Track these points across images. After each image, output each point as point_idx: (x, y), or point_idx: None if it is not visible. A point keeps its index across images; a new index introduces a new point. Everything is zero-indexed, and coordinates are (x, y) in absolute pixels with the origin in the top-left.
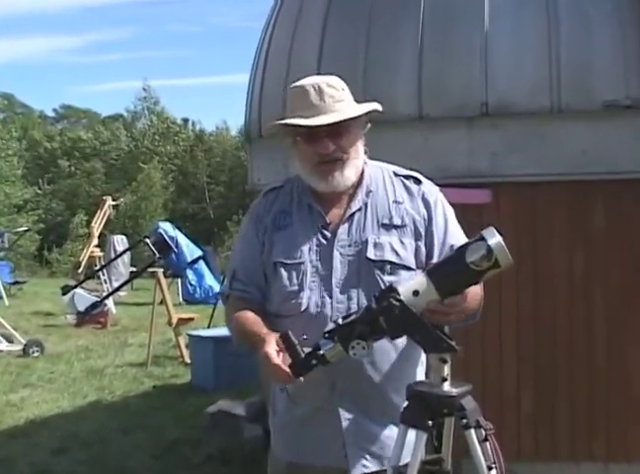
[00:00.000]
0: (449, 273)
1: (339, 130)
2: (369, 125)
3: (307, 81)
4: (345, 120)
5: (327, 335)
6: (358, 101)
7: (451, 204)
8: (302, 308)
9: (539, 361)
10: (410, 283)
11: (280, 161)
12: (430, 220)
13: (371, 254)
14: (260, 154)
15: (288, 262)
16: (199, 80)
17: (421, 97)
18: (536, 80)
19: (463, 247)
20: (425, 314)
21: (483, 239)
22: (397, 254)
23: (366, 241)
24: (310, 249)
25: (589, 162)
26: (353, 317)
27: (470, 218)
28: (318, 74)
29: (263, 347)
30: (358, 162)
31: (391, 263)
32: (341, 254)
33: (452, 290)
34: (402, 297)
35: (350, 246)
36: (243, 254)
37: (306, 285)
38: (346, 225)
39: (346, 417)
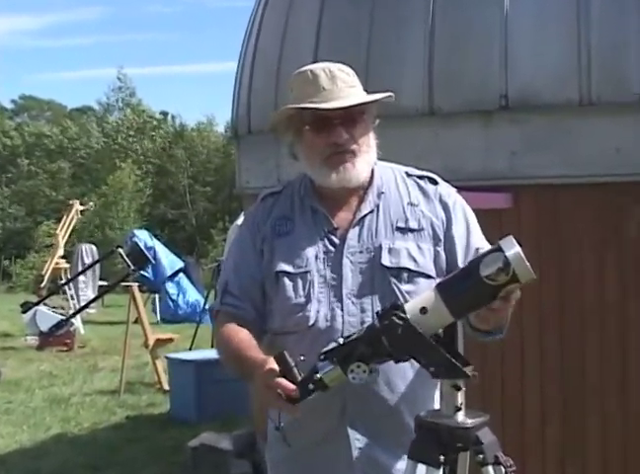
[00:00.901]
0: (462, 288)
1: (354, 118)
2: (378, 121)
3: (316, 66)
4: (361, 105)
5: (324, 356)
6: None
7: None
8: (310, 322)
9: (567, 388)
10: (418, 299)
11: (273, 161)
12: (449, 224)
13: (386, 260)
14: (249, 153)
15: (293, 271)
16: (181, 68)
17: (431, 88)
18: (563, 68)
19: (477, 259)
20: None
21: (500, 250)
22: (415, 260)
23: (380, 246)
24: (317, 256)
25: (623, 162)
26: (354, 336)
27: (486, 226)
28: (315, 62)
29: (261, 369)
30: (370, 157)
31: (408, 270)
32: (351, 261)
33: (465, 308)
34: (408, 315)
35: (361, 252)
36: (237, 265)
37: (314, 297)
38: (356, 229)
39: (357, 446)
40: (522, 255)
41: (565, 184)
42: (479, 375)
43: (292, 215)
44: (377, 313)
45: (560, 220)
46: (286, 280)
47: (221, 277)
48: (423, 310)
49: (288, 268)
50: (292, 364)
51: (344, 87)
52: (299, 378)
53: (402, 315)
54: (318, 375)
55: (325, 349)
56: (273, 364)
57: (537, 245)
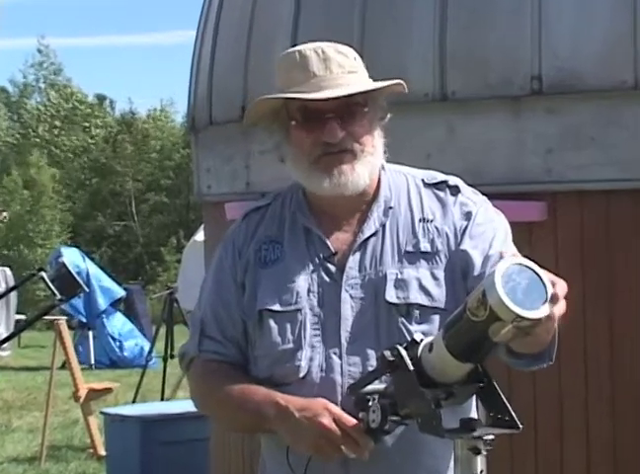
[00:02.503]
0: (452, 322)
1: (352, 111)
2: (389, 116)
3: (306, 46)
4: (360, 94)
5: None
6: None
7: None
8: (301, 374)
9: (619, 453)
10: (435, 336)
11: (241, 160)
12: (469, 231)
13: (391, 295)
14: (210, 151)
15: (280, 309)
16: (124, 39)
17: (444, 68)
18: (614, 43)
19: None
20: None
21: (488, 277)
22: (428, 293)
23: (385, 277)
24: (310, 290)
25: None
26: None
27: (515, 243)
28: (295, 39)
29: (310, 408)
30: (374, 160)
31: (420, 306)
32: (351, 296)
33: (461, 349)
34: (419, 349)
35: (362, 285)
36: (214, 300)
37: (305, 342)
38: (357, 256)
39: None
40: (500, 284)
41: (618, 189)
42: (506, 438)
43: (281, 237)
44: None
45: (612, 237)
46: (272, 322)
47: (194, 315)
48: (430, 347)
49: (274, 305)
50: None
51: (340, 73)
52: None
53: (399, 349)
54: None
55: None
56: (328, 403)
57: (580, 270)
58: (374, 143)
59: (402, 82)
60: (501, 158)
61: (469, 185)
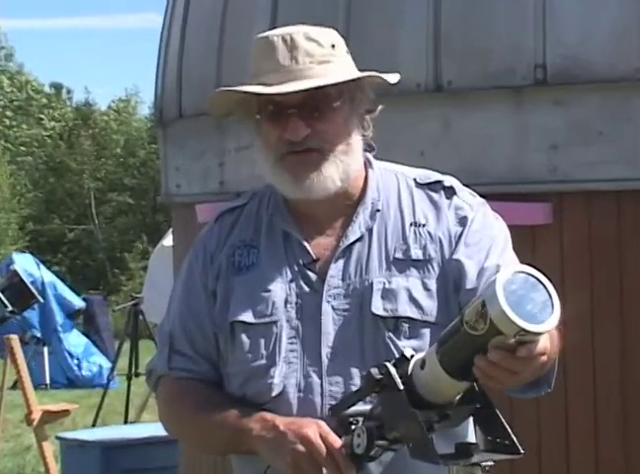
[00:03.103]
0: (447, 336)
1: (319, 106)
2: (380, 108)
3: (276, 32)
4: (332, 86)
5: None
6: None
7: None
8: (274, 392)
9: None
10: (426, 351)
11: (213, 157)
12: (463, 240)
13: (378, 307)
14: (179, 146)
15: (254, 321)
16: (83, 21)
17: (438, 55)
18: (624, 29)
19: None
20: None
21: (488, 288)
22: (418, 305)
23: (370, 287)
24: (287, 301)
25: None
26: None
27: (517, 248)
28: (274, 22)
29: (300, 422)
30: (348, 159)
31: (410, 319)
32: (333, 308)
33: (456, 365)
34: (410, 367)
35: (346, 295)
36: (183, 311)
37: (280, 357)
38: (340, 263)
39: None
40: (502, 295)
41: (629, 189)
42: (507, 464)
43: (257, 242)
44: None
45: (622, 242)
46: (244, 336)
47: (162, 328)
48: (422, 364)
49: (247, 316)
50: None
51: (308, 63)
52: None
53: (387, 366)
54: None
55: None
56: (319, 420)
57: (588, 277)
58: (349, 141)
59: (380, 75)
60: (501, 155)
61: (466, 185)
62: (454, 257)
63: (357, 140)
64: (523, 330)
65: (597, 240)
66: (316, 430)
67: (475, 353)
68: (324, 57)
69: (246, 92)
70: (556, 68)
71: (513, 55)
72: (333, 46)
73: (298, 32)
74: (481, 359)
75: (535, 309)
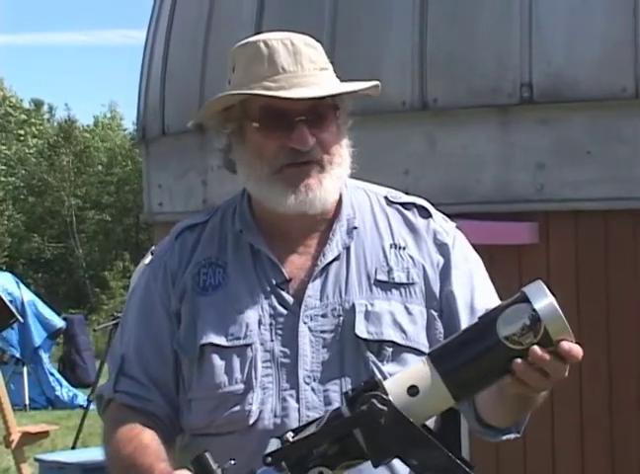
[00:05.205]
0: (468, 356)
1: (323, 115)
2: (351, 121)
3: (271, 35)
4: (324, 97)
5: (269, 460)
6: None
7: (475, 248)
8: (251, 420)
9: None
10: (403, 375)
11: (196, 175)
12: (447, 273)
13: (362, 330)
14: (162, 164)
15: (227, 344)
16: (63, 36)
17: (424, 73)
18: (612, 47)
19: (493, 314)
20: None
21: (525, 300)
22: (402, 329)
23: (352, 308)
24: (261, 321)
25: None
26: (311, 429)
27: (501, 269)
28: (257, 34)
29: None
30: (341, 172)
31: (394, 344)
32: (311, 329)
33: (472, 387)
34: (390, 397)
35: (324, 316)
36: (140, 334)
37: (256, 383)
38: (317, 283)
39: None
40: (557, 306)
41: (616, 209)
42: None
43: (223, 260)
44: (346, 394)
45: (609, 262)
46: (217, 358)
47: (115, 351)
48: (412, 390)
49: (219, 339)
50: (216, 472)
51: (312, 69)
52: None
53: (385, 397)
54: None
55: (270, 448)
56: None
57: (575, 299)
58: (342, 153)
59: (378, 83)
60: (487, 174)
61: (451, 204)
62: (443, 288)
63: (347, 152)
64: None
65: (583, 259)
66: None
67: (502, 367)
68: (324, 64)
69: (263, 95)
70: (542, 87)
71: (498, 73)
72: (323, 54)
73: (296, 37)
74: (521, 364)
75: None
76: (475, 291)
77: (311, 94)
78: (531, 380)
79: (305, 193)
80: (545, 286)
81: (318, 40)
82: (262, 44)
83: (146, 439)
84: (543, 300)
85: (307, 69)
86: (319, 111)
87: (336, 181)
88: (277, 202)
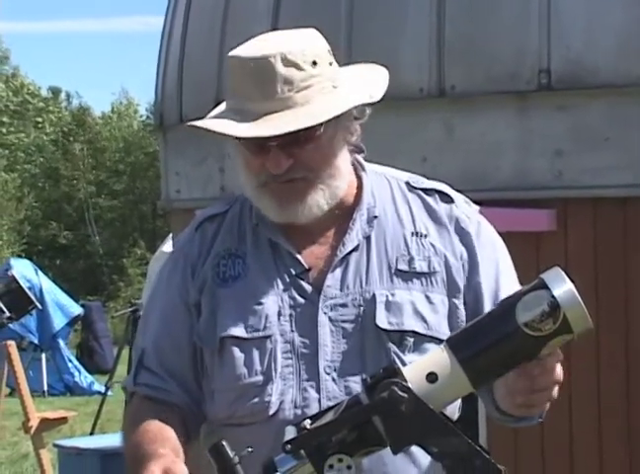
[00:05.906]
0: (487, 342)
1: (302, 137)
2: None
3: (251, 48)
4: (306, 130)
5: (288, 447)
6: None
7: None
8: (271, 411)
9: None
10: (421, 362)
11: (214, 162)
12: (473, 262)
13: (383, 320)
14: (180, 151)
15: (246, 336)
16: (80, 24)
17: (441, 60)
18: (631, 33)
19: (512, 300)
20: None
21: (544, 286)
22: (423, 319)
23: (373, 298)
24: (280, 313)
25: None
26: (329, 417)
27: (519, 257)
28: (275, 25)
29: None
30: (336, 182)
31: (415, 333)
32: (331, 319)
33: (491, 373)
34: (410, 384)
35: (345, 306)
36: (158, 328)
37: (276, 373)
38: (337, 272)
39: None
40: (576, 293)
41: (634, 196)
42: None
43: (243, 251)
44: (365, 381)
45: (628, 249)
46: (236, 350)
47: (137, 344)
48: (430, 377)
49: (239, 331)
50: (234, 460)
51: (287, 91)
52: None
53: (405, 384)
54: None
55: (287, 436)
56: (160, 465)
57: (593, 286)
58: (336, 163)
59: (375, 96)
60: (505, 161)
61: (470, 191)
62: (470, 280)
63: (343, 159)
64: (590, 329)
65: (602, 247)
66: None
67: (524, 356)
68: (304, 82)
69: (221, 134)
70: (561, 73)
71: (517, 60)
72: (314, 63)
73: (276, 54)
74: (536, 366)
75: None
76: (500, 280)
77: (274, 131)
78: (546, 381)
79: (287, 206)
80: (564, 273)
81: (332, 26)
82: (236, 63)
83: (155, 426)
84: (562, 287)
85: (280, 92)
86: (295, 133)
87: (326, 191)
88: (266, 212)
